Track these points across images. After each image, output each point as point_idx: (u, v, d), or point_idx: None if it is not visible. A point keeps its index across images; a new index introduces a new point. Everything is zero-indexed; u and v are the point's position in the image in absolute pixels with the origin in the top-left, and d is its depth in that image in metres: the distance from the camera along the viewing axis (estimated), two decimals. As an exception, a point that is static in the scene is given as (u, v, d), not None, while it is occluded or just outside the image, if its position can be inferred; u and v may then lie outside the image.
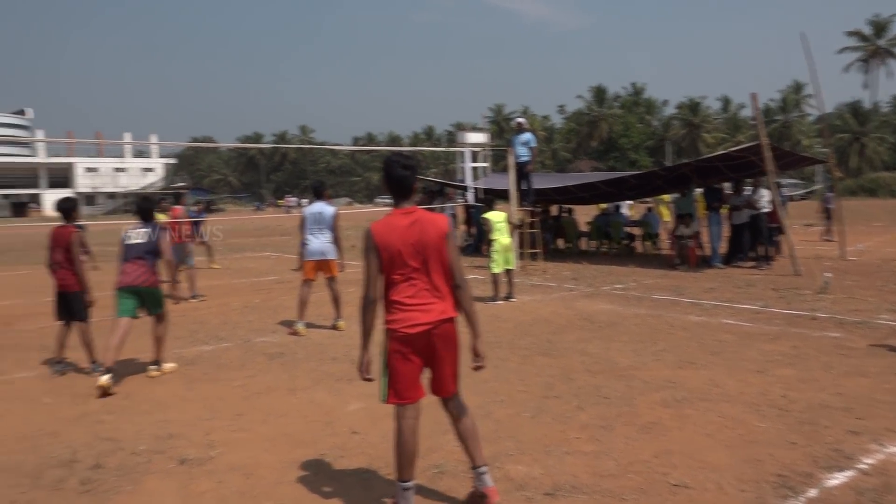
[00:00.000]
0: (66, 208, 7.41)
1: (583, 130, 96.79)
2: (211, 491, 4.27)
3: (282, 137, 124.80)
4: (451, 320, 3.83)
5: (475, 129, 24.05)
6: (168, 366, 7.20)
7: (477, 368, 4.01)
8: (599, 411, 5.49)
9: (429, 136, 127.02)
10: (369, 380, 3.95)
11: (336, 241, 9.02)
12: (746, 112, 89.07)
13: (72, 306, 7.24)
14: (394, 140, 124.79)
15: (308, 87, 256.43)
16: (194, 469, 4.59)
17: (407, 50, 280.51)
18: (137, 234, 6.94)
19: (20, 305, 11.96)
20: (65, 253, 7.18)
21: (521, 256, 14.97)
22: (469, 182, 17.68)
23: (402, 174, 3.89)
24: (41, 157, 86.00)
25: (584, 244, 20.00)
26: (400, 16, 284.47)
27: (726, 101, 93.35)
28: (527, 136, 15.63)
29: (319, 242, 8.99)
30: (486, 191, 16.20)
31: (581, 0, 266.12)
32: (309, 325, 9.20)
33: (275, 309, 10.83)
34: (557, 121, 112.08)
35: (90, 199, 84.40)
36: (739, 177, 15.43)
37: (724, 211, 15.43)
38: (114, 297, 6.80)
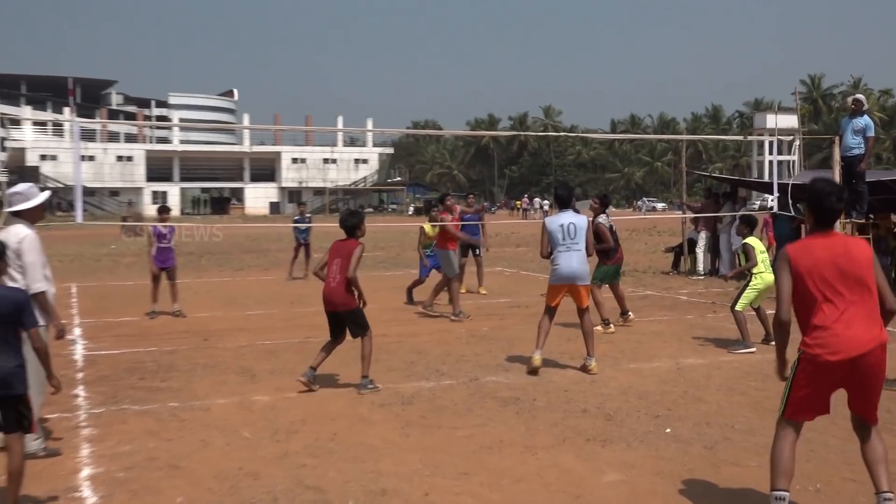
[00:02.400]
0: (351, 225, 8.48)
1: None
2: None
3: (521, 122, 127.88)
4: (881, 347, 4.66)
5: (781, 109, 22.86)
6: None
7: None
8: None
9: (714, 119, 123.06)
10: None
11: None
12: None
13: (347, 325, 8.46)
14: (665, 125, 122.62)
15: (554, 59, 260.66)
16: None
17: (680, 2, 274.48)
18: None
19: (219, 318, 13.39)
20: (342, 269, 8.28)
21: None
22: (773, 179, 16.78)
23: (835, 207, 4.80)
24: (246, 146, 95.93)
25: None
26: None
27: None
28: (863, 120, 14.49)
29: (571, 263, 9.12)
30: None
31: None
32: (550, 363, 9.28)
33: (509, 341, 11.06)
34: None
35: (295, 195, 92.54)
36: None
37: None
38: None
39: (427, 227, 14.84)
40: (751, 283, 10.43)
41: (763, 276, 10.33)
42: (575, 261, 9.10)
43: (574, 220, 9.20)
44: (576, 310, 9.38)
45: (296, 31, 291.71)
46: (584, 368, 9.13)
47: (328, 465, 6.05)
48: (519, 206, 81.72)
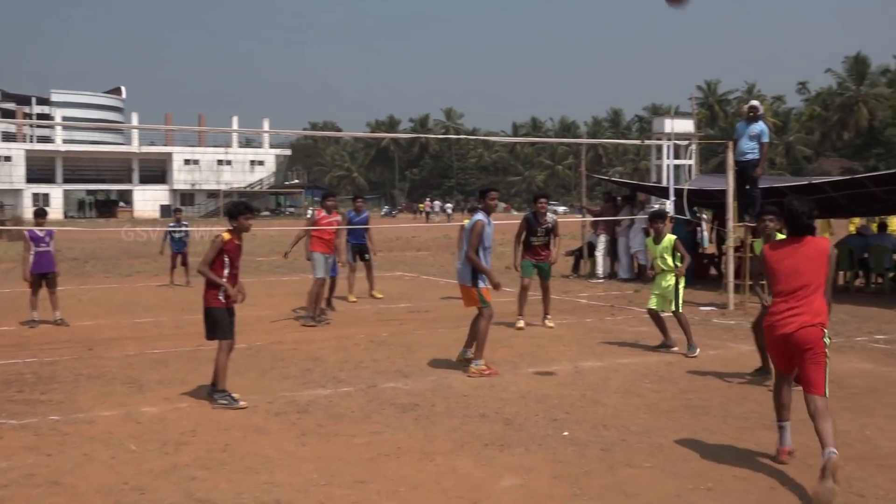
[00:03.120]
0: (229, 215, 8.32)
1: (831, 117, 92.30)
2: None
3: (422, 124, 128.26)
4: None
5: (678, 114, 23.60)
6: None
7: None
8: (853, 515, 5.20)
9: (614, 123, 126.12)
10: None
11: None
12: None
13: None
14: (566, 128, 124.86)
15: (455, 62, 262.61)
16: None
17: (580, 7, 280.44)
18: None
19: (105, 327, 13.04)
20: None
21: (740, 289, 14.50)
22: (669, 184, 17.31)
23: (807, 224, 6.03)
24: (134, 146, 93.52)
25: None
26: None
27: None
28: (759, 126, 15.07)
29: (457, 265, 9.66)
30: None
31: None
32: (451, 368, 9.41)
33: (408, 346, 11.09)
34: (795, 103, 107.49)
35: (187, 197, 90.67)
36: None
37: None
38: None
39: None
40: (681, 284, 10.61)
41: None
42: (458, 263, 9.65)
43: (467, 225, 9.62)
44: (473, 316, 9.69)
45: (187, 27, 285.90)
46: (464, 359, 9.58)
47: (220, 477, 5.96)
48: (422, 209, 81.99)
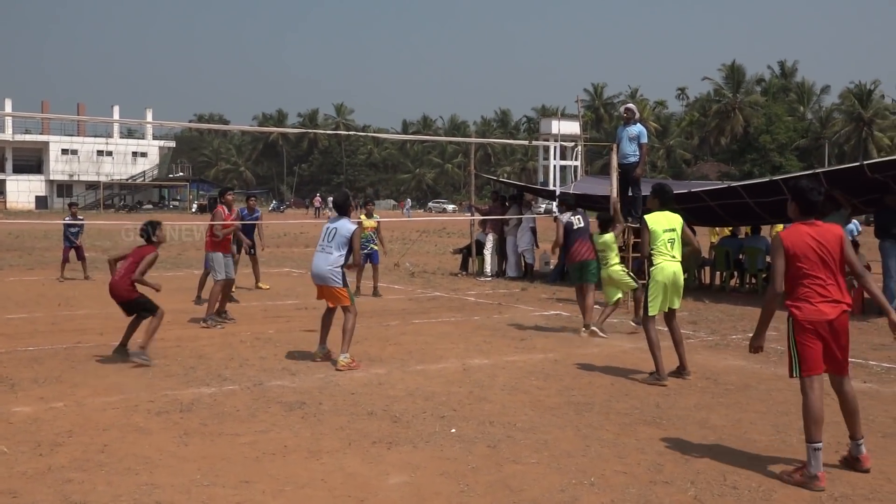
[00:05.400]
0: (145, 234, 10.03)
1: (709, 123, 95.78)
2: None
3: (311, 119, 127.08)
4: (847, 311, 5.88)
5: (564, 116, 24.06)
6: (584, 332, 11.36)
7: None
8: (727, 506, 5.39)
9: (502, 123, 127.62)
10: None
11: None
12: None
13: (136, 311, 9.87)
14: (457, 127, 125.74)
15: (346, 56, 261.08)
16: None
17: (473, 7, 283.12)
18: (578, 221, 11.94)
19: (-26, 323, 12.41)
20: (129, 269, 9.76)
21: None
22: (556, 185, 17.65)
23: (818, 199, 5.93)
24: (7, 134, 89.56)
25: (706, 276, 19.69)
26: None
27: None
28: (636, 128, 15.57)
29: (317, 262, 9.80)
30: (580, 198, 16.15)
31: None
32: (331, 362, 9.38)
33: (295, 343, 10.98)
34: (675, 108, 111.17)
35: (65, 189, 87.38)
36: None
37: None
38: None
39: (364, 219, 15.66)
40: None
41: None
42: (321, 261, 9.72)
43: (336, 225, 9.80)
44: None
45: (65, 11, 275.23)
46: (334, 363, 9.57)
47: (97, 479, 5.77)
48: (314, 205, 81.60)
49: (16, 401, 7.85)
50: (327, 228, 9.86)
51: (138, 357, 9.41)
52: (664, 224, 9.08)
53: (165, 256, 25.00)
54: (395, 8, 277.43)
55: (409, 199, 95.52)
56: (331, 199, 10.78)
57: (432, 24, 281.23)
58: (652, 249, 9.02)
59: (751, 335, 6.29)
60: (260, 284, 17.22)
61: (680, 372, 9.14)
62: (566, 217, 12.21)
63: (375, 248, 16.53)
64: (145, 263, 9.65)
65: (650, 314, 9.01)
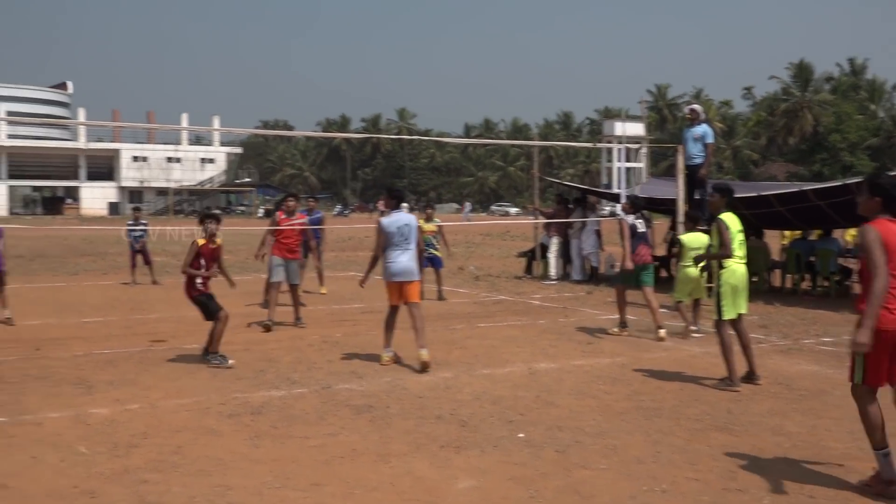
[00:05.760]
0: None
1: (777, 122, 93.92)
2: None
3: (374, 124, 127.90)
4: None
5: (629, 117, 23.83)
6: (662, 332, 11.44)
7: None
8: (803, 515, 5.28)
9: (565, 125, 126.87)
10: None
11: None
12: None
13: None
14: (519, 130, 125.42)
15: (409, 62, 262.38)
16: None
17: (535, 9, 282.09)
18: (642, 224, 11.97)
19: (52, 326, 12.77)
20: None
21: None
22: (620, 188, 17.50)
23: None
24: (81, 143, 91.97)
25: (777, 279, 19.31)
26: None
27: None
28: (702, 128, 15.36)
29: (402, 260, 9.89)
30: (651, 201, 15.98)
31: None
32: (404, 369, 9.44)
33: (361, 346, 11.05)
34: (742, 108, 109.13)
35: (136, 195, 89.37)
36: None
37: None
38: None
39: (423, 223, 15.38)
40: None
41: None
42: (406, 258, 9.87)
43: (409, 221, 10.01)
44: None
45: (135, 22, 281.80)
46: (421, 362, 9.56)
47: (172, 480, 5.88)
48: (378, 209, 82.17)
49: (93, 402, 8.04)
50: (399, 227, 9.92)
51: (215, 359, 9.72)
52: (737, 225, 8.92)
53: (233, 261, 25.42)
54: (458, 13, 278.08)
55: (468, 203, 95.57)
56: (386, 190, 10.69)
57: (493, 27, 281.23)
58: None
59: (825, 340, 6.14)
60: (322, 289, 17.27)
61: (750, 377, 8.97)
62: (630, 219, 12.08)
63: (436, 252, 16.49)
64: (187, 254, 9.94)
65: (724, 318, 8.81)
